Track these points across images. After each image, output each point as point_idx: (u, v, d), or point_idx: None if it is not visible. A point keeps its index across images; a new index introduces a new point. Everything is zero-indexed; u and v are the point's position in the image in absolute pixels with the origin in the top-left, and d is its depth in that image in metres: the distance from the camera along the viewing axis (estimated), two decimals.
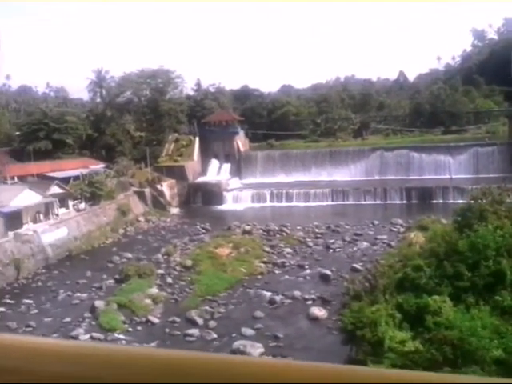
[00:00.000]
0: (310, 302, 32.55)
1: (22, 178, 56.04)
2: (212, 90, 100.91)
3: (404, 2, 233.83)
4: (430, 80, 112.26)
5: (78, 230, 49.96)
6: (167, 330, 29.63)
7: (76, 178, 59.07)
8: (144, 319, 31.06)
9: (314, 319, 30.02)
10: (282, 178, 74.58)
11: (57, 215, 49.92)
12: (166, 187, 68.93)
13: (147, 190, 66.18)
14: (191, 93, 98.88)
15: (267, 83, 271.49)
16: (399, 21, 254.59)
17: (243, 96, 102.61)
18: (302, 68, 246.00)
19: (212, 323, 30.09)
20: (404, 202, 63.28)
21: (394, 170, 71.77)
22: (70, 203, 53.45)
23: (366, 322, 19.99)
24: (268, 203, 67.29)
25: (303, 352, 25.58)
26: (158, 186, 67.79)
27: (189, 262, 40.56)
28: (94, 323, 30.79)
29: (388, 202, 63.64)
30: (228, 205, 68.43)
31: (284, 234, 50.13)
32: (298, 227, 51.80)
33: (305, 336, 27.96)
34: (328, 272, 37.65)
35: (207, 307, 32.30)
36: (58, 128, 71.62)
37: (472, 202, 27.71)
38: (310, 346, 26.62)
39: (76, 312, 32.64)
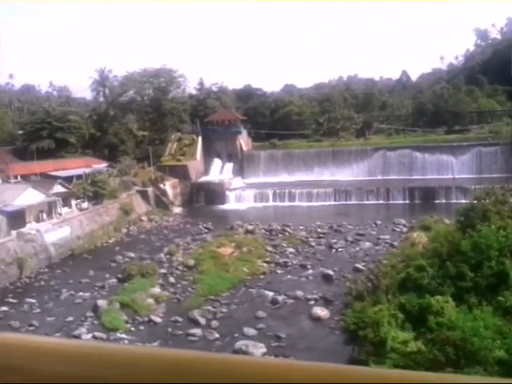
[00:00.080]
0: (312, 302, 32.55)
1: (25, 177, 56.19)
2: (215, 89, 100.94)
3: (407, 2, 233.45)
4: (433, 80, 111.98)
5: (80, 230, 50.04)
6: (169, 329, 29.67)
7: (79, 177, 59.17)
8: (146, 319, 31.11)
9: (317, 319, 30.03)
10: (284, 177, 74.60)
11: (60, 214, 50.02)
12: (169, 186, 68.96)
13: (150, 190, 66.25)
14: (194, 92, 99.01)
15: (270, 82, 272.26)
16: (402, 20, 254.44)
17: (246, 95, 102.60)
18: (304, 67, 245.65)
19: (214, 323, 30.13)
20: (407, 201, 63.21)
21: (396, 169, 71.69)
22: (73, 202, 53.58)
23: (369, 322, 19.95)
24: (271, 203, 67.31)
25: (305, 352, 25.59)
26: (161, 186, 67.82)
27: (191, 262, 40.61)
28: (96, 322, 30.85)
29: (391, 201, 63.57)
30: (231, 204, 68.47)
31: (286, 233, 50.14)
32: (301, 227, 51.80)
33: (307, 336, 27.95)
34: (330, 272, 37.65)
35: (209, 307, 32.33)
36: (61, 127, 71.71)
37: (475, 202, 27.67)
38: (312, 346, 26.62)
39: (78, 311, 32.70)
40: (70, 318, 31.49)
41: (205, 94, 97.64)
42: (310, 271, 39.08)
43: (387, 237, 46.86)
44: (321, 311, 30.58)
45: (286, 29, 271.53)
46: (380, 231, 49.79)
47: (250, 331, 28.59)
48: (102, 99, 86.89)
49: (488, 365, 15.92)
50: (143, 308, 32.16)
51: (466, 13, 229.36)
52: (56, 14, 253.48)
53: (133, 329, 30.04)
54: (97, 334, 29.05)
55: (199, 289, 35.50)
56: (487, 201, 26.95)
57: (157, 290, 35.30)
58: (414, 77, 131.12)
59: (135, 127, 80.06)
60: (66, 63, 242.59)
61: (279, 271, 39.52)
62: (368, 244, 45.51)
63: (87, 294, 35.99)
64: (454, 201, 57.19)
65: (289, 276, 38.39)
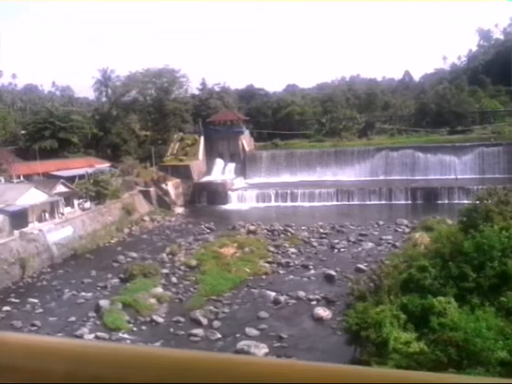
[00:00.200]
0: (314, 303, 32.54)
1: (28, 177, 56.31)
2: (217, 89, 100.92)
3: (410, 2, 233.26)
4: (436, 80, 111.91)
5: (83, 229, 50.09)
6: (172, 329, 29.68)
7: (81, 176, 59.28)
8: (148, 319, 31.13)
9: (319, 319, 30.01)
10: (286, 177, 74.60)
11: (62, 214, 50.06)
12: (171, 186, 69.00)
13: (152, 190, 66.30)
14: (196, 92, 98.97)
15: (272, 83, 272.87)
16: (405, 20, 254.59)
17: (248, 95, 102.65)
18: (307, 67, 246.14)
19: (216, 323, 30.13)
20: (409, 202, 63.17)
21: (399, 170, 71.65)
22: (76, 202, 53.65)
23: (371, 323, 19.93)
24: (273, 203, 67.30)
25: (307, 352, 25.58)
26: (163, 186, 67.87)
27: (193, 262, 40.63)
28: (98, 322, 30.86)
29: (393, 202, 63.53)
30: (233, 204, 68.51)
31: (289, 233, 50.15)
32: (303, 227, 51.78)
33: (309, 336, 27.93)
34: (332, 272, 37.62)
35: (211, 307, 32.33)
36: (63, 127, 71.77)
37: (477, 202, 27.64)
38: (314, 346, 26.61)
39: (81, 311, 32.73)
40: (73, 318, 31.52)
41: (207, 94, 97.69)
42: (312, 271, 39.07)
43: (389, 237, 46.83)
44: (323, 311, 30.55)
45: (288, 29, 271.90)
46: (382, 231, 49.75)
47: (252, 331, 28.58)
48: (104, 99, 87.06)
49: (490, 366, 15.88)
50: (145, 308, 32.18)
51: (469, 13, 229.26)
52: (59, 14, 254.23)
53: (135, 329, 30.05)
54: (99, 333, 29.06)
55: (201, 289, 35.50)
56: (490, 201, 26.91)
57: (159, 290, 35.30)
58: (416, 77, 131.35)
59: (138, 127, 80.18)
60: (68, 63, 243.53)
61: (281, 271, 39.50)
62: (370, 244, 45.49)
63: (89, 294, 36.02)
64: (457, 201, 57.17)
65: (291, 276, 38.38)
